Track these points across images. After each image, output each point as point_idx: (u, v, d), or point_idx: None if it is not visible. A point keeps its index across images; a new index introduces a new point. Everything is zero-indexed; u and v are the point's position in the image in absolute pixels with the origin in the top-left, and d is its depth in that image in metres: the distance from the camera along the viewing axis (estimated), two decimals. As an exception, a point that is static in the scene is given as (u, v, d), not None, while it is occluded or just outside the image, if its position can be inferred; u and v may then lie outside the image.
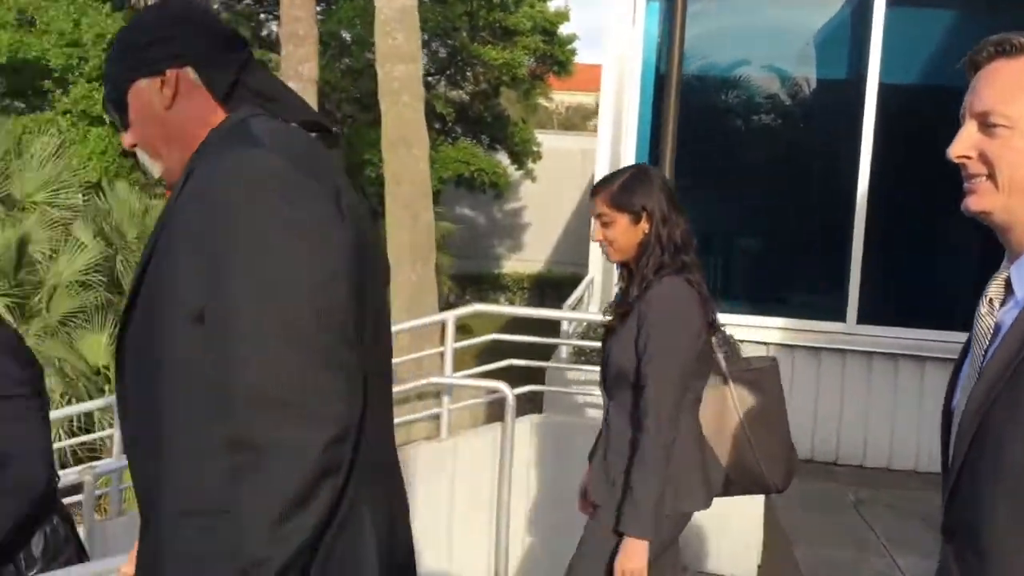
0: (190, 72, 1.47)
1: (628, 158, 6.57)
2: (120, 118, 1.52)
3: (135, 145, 1.52)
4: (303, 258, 1.28)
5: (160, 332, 1.34)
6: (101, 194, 10.30)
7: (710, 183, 6.82)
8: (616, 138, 6.72)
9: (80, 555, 2.52)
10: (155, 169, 1.52)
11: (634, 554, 2.44)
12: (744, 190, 6.87)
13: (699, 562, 4.56)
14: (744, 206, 6.92)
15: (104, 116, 11.46)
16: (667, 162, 5.26)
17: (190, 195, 1.36)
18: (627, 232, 2.61)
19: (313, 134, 1.53)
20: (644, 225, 2.60)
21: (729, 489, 2.76)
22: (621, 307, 2.62)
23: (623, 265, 2.68)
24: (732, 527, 4.45)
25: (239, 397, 1.23)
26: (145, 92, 1.47)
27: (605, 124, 6.83)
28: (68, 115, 13.40)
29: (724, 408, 2.71)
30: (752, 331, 5.86)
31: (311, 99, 8.64)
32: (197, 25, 1.49)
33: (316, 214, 1.32)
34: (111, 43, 1.57)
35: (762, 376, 2.75)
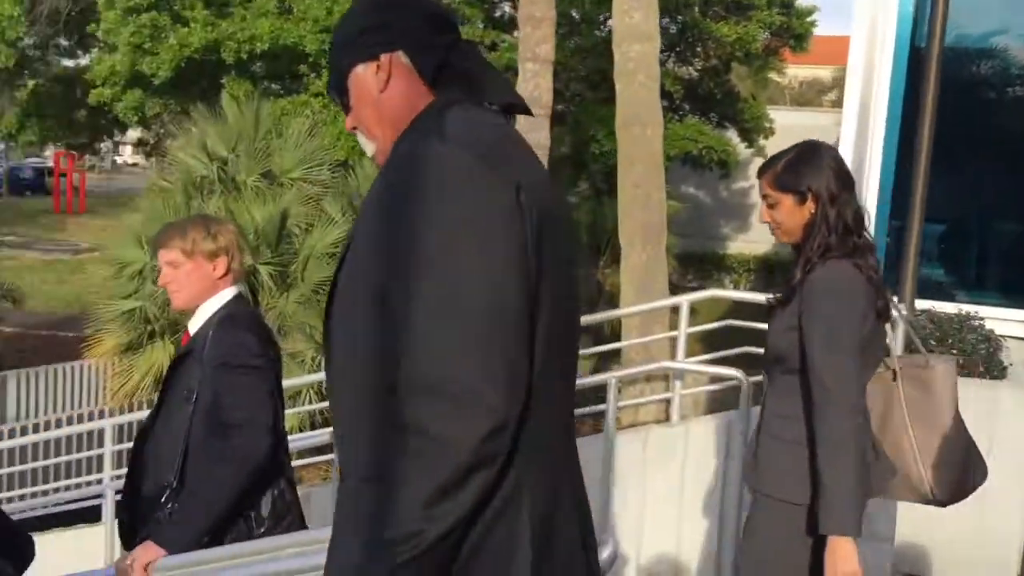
0: (402, 56, 1.53)
1: (877, 134, 6.21)
2: (343, 102, 1.60)
3: (355, 128, 1.60)
4: (476, 255, 1.32)
5: (350, 307, 1.44)
6: (350, 172, 10.95)
7: (968, 162, 6.33)
8: (863, 114, 6.36)
9: (301, 521, 2.63)
10: (369, 149, 1.59)
11: (844, 556, 2.25)
12: (1006, 169, 6.32)
13: None
14: (1006, 187, 6.37)
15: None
16: (924, 138, 4.93)
17: (381, 181, 1.44)
18: (792, 214, 2.49)
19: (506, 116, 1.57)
20: (810, 206, 2.45)
21: (887, 489, 2.56)
22: (784, 290, 2.50)
23: (795, 247, 2.55)
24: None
25: (406, 383, 1.29)
26: (362, 76, 1.55)
27: (852, 99, 6.47)
28: (320, 97, 14.36)
29: (889, 402, 2.54)
30: (1013, 326, 5.38)
31: (547, 80, 8.76)
32: (409, 10, 1.55)
33: (493, 211, 1.35)
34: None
35: (933, 375, 2.53)
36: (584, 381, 4.90)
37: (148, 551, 2.36)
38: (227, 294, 2.67)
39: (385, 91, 1.54)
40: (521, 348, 1.33)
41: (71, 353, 12.85)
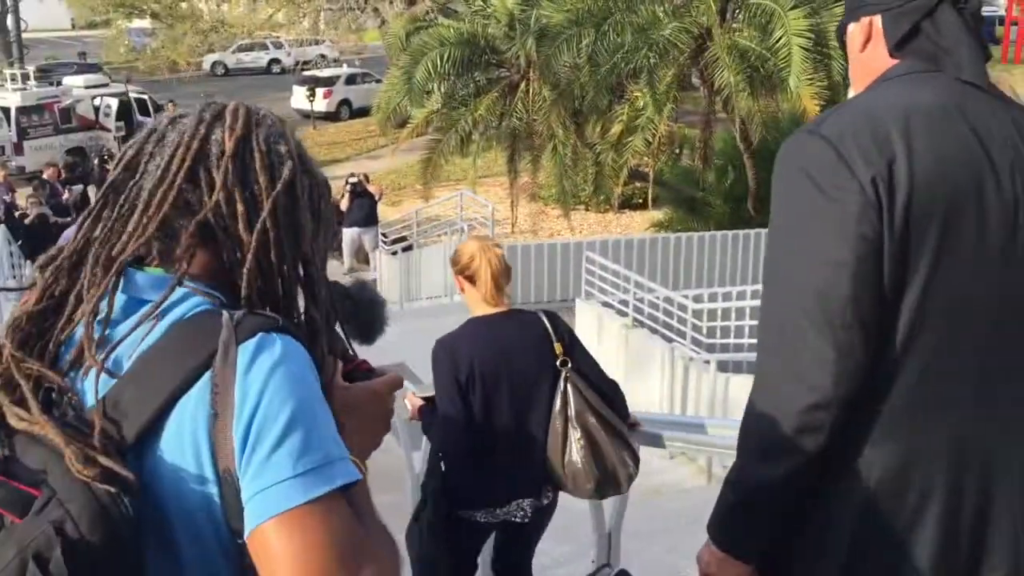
0: (878, 20, 1.60)
1: None
2: (844, 55, 1.75)
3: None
4: (810, 245, 1.46)
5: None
6: None
7: None
8: None
9: None
10: None
11: None
12: None
13: None
14: None
15: None
16: None
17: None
18: None
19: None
20: None
21: None
22: None
23: None
24: None
25: (762, 344, 1.56)
26: (851, 34, 1.66)
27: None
28: None
29: None
30: None
31: None
32: None
33: (835, 204, 1.43)
34: None
35: None
36: None
37: None
38: None
39: (863, 51, 1.64)
40: (855, 336, 1.43)
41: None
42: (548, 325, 3.04)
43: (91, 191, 15.82)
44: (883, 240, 1.42)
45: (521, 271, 12.17)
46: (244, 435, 1.01)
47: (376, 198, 14.27)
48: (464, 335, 3.02)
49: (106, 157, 16.12)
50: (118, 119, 21.62)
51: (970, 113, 1.49)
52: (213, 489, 1.03)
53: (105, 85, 22.87)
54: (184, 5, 25.63)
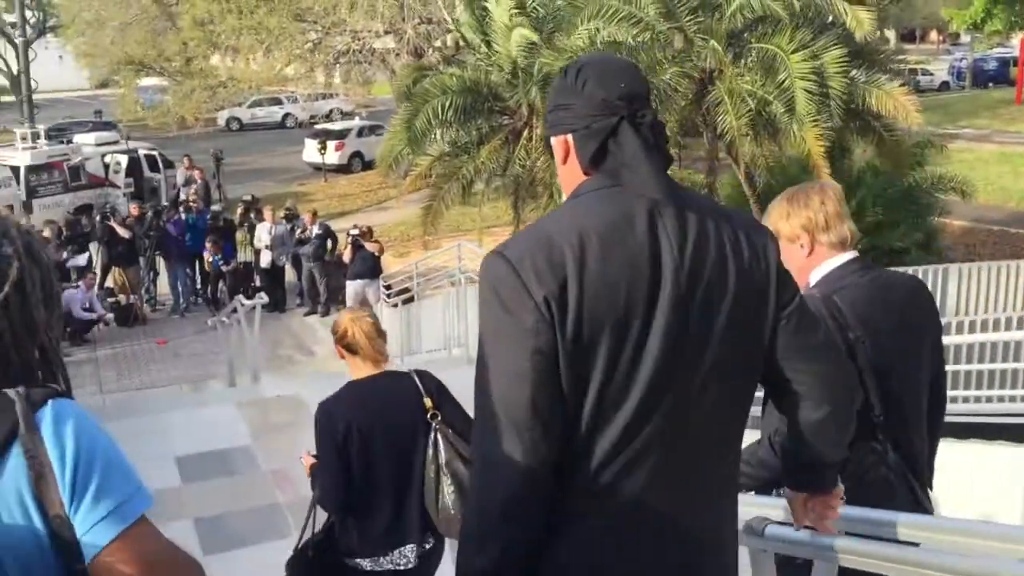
0: (571, 139, 1.75)
1: None
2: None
3: None
4: (497, 355, 1.65)
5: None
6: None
7: None
8: None
9: None
10: None
11: None
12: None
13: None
14: None
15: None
16: None
17: None
18: None
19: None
20: None
21: None
22: None
23: None
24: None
25: (471, 439, 1.84)
26: (555, 148, 1.81)
27: None
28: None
29: None
30: None
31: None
32: (581, 99, 1.73)
33: (514, 320, 1.61)
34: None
35: None
36: None
37: None
38: None
39: (565, 164, 1.78)
40: (538, 436, 1.62)
41: (1021, 251, 12.35)
42: (418, 382, 3.32)
43: (92, 248, 15.75)
44: (557, 352, 1.60)
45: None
46: (71, 487, 1.26)
47: (377, 254, 14.03)
48: (341, 398, 3.30)
49: (108, 214, 16.01)
50: (127, 176, 21.66)
51: (640, 226, 1.65)
52: (43, 533, 1.25)
53: (116, 142, 22.95)
54: (195, 63, 25.86)
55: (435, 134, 14.11)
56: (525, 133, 14.26)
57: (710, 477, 1.76)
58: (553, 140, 1.80)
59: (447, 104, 13.53)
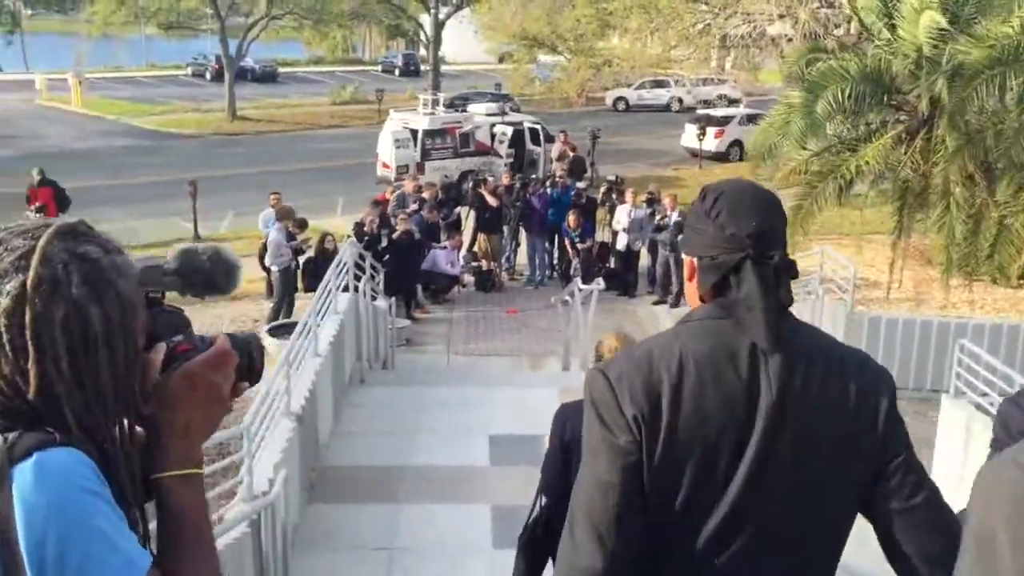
0: (695, 263, 1.81)
1: None
2: None
3: None
4: (592, 463, 1.75)
5: None
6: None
7: None
8: None
9: None
10: None
11: None
12: None
13: None
14: None
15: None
16: None
17: None
18: None
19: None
20: None
21: None
22: None
23: None
24: None
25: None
26: (685, 263, 1.87)
27: None
28: None
29: None
30: None
31: None
32: (712, 228, 1.75)
33: (608, 434, 1.72)
34: None
35: None
36: None
37: None
38: None
39: (689, 282, 1.85)
40: (613, 538, 1.70)
41: None
42: None
43: (462, 212, 16.49)
44: (643, 470, 1.70)
45: (880, 346, 10.38)
46: (38, 565, 1.10)
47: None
48: (568, 406, 3.79)
49: (481, 181, 16.66)
50: (510, 146, 22.60)
51: (741, 366, 1.70)
52: None
53: (504, 114, 24.03)
54: (584, 41, 26.32)
55: (824, 128, 12.81)
56: (922, 132, 12.49)
57: None
58: (683, 256, 1.89)
59: (846, 92, 12.16)
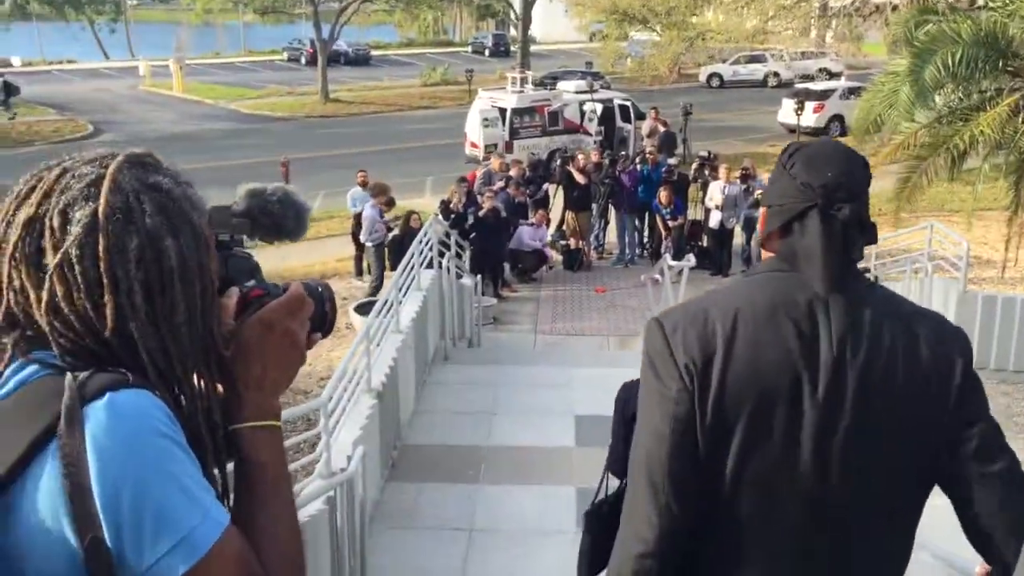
0: (764, 212, 1.83)
1: None
2: None
3: None
4: (646, 414, 1.73)
5: None
6: None
7: None
8: None
9: None
10: None
11: None
12: None
13: None
14: None
15: None
16: None
17: None
18: None
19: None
20: None
21: None
22: None
23: None
24: None
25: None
26: (759, 216, 1.94)
27: None
28: None
29: None
30: None
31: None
32: (785, 177, 1.76)
33: (661, 385, 1.69)
34: None
35: None
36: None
37: None
38: None
39: (761, 231, 1.86)
40: (673, 498, 1.67)
41: None
42: None
43: (550, 190, 16.21)
44: (695, 421, 1.66)
45: (996, 327, 9.71)
46: (112, 513, 1.01)
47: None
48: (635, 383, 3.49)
49: (570, 158, 16.34)
50: (600, 124, 22.18)
51: (799, 315, 1.66)
52: (77, 555, 1.01)
53: (593, 91, 23.59)
54: (676, 14, 25.61)
55: (932, 96, 12.03)
56: (1044, 99, 11.64)
57: (862, 567, 1.70)
58: (760, 211, 1.86)
59: (957, 56, 11.38)
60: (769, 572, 1.69)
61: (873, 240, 1.72)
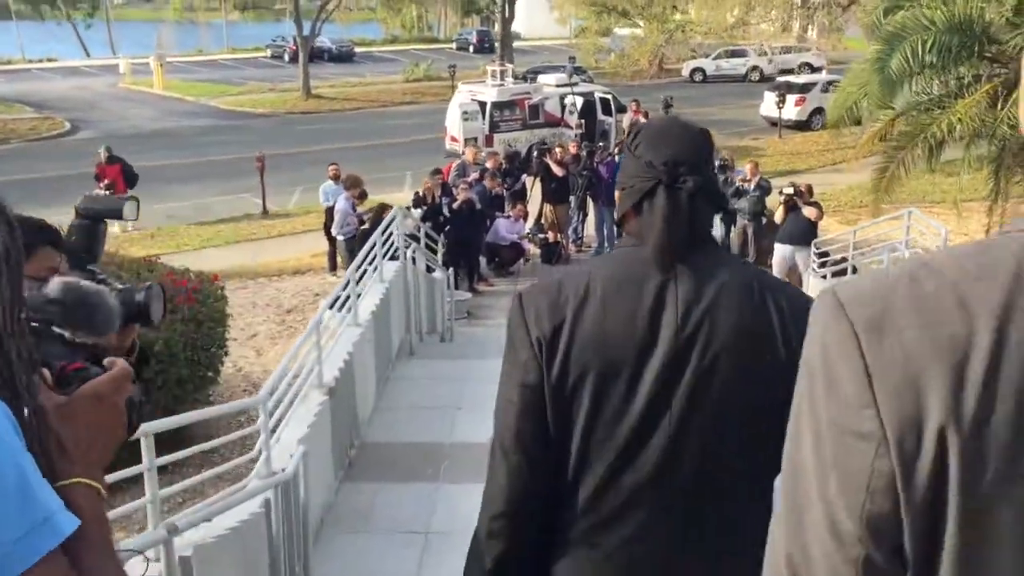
0: (618, 196, 1.93)
1: None
2: None
3: None
4: (502, 381, 1.80)
5: None
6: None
7: None
8: None
9: None
10: None
11: None
12: None
13: None
14: None
15: None
16: None
17: None
18: None
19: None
20: None
21: None
22: None
23: None
24: None
25: None
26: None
27: None
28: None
29: None
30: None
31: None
32: (635, 158, 1.82)
33: (514, 353, 1.77)
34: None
35: None
36: None
37: None
38: None
39: (619, 213, 1.91)
40: (522, 458, 1.77)
41: None
42: None
43: (527, 182, 15.96)
44: (543, 388, 1.73)
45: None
46: None
47: (813, 219, 12.24)
48: None
49: (547, 150, 16.10)
50: (580, 117, 21.96)
51: (648, 287, 1.72)
52: None
53: (574, 84, 23.36)
54: (655, 6, 25.38)
55: (904, 82, 11.83)
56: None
57: (716, 525, 1.76)
58: (616, 194, 1.94)
59: (929, 43, 11.16)
60: (628, 531, 1.75)
61: (723, 207, 1.67)
